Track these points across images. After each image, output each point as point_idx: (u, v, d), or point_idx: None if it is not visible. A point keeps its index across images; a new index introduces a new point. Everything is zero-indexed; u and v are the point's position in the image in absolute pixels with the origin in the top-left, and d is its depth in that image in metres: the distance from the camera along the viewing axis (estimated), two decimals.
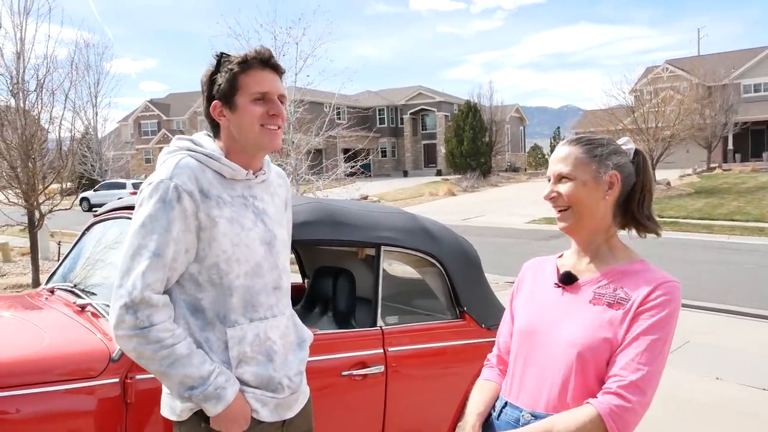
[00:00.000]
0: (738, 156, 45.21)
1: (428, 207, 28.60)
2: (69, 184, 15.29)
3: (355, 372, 3.02)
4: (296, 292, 4.09)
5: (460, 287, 3.53)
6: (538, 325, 1.86)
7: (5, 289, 10.73)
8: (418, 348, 3.31)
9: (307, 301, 3.91)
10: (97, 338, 2.52)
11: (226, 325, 1.96)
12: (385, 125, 60.56)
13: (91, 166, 36.29)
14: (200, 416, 1.94)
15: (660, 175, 32.59)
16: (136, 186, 30.88)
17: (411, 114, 59.94)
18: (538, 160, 77.58)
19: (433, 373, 3.37)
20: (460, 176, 43.78)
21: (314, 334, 2.83)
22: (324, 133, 16.83)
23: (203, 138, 2.10)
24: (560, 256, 1.99)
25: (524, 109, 69.17)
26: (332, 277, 3.72)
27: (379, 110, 60.36)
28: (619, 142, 1.91)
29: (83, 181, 33.49)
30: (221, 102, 2.02)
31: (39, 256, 11.49)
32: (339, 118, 28.37)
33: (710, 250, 15.14)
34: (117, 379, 2.40)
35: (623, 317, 1.70)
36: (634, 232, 1.90)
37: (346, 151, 34.79)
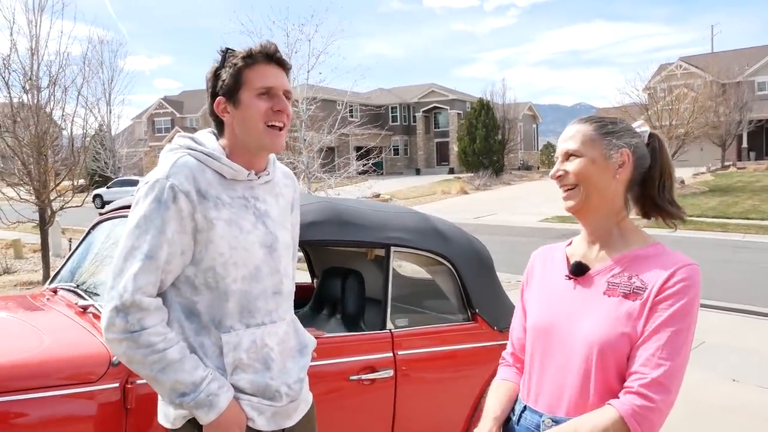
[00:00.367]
0: (752, 154, 44.84)
1: (440, 205, 28.54)
2: (81, 181, 15.33)
3: (363, 376, 2.95)
4: (305, 292, 4.05)
5: (471, 288, 3.45)
6: (551, 323, 1.76)
7: (15, 286, 10.76)
8: (429, 351, 3.23)
9: (315, 302, 3.84)
10: (97, 341, 2.45)
11: (221, 331, 1.89)
12: (398, 123, 60.55)
13: (105, 163, 36.40)
14: (194, 424, 1.86)
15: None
16: None
17: (424, 112, 59.86)
18: (551, 159, 77.21)
19: (443, 378, 3.29)
20: (472, 174, 43.67)
21: (322, 337, 2.78)
22: (336, 131, 16.78)
23: (206, 136, 2.03)
24: (569, 244, 1.89)
25: (537, 107, 68.97)
26: (341, 278, 3.65)
27: (392, 108, 60.38)
28: (634, 125, 1.81)
29: (96, 178, 33.66)
30: (225, 98, 1.95)
31: (50, 253, 11.52)
32: (351, 116, 28.29)
33: (725, 249, 14.96)
34: (117, 384, 2.33)
35: (641, 309, 1.60)
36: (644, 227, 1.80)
37: (358, 149, 34.75)
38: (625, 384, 1.58)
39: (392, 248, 3.23)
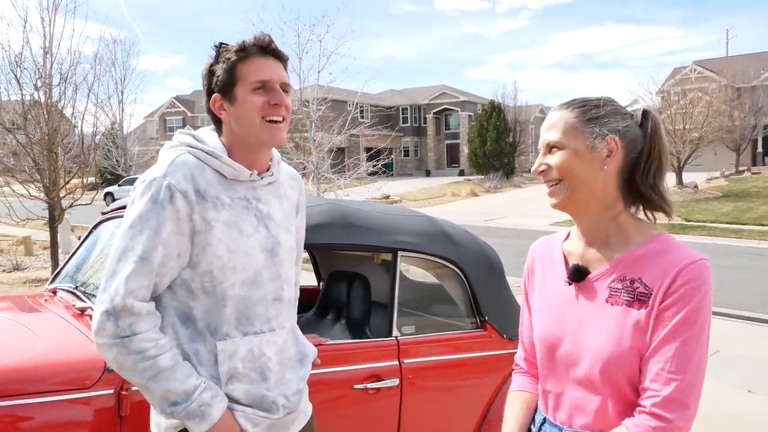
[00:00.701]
0: (767, 159, 44.44)
1: (450, 207, 28.43)
2: (91, 178, 15.34)
3: (368, 385, 2.86)
4: (311, 295, 3.96)
5: (481, 295, 3.35)
6: (558, 338, 1.64)
7: (24, 283, 10.78)
8: (436, 360, 3.13)
9: (320, 307, 3.75)
10: (93, 345, 2.37)
11: (216, 338, 1.80)
12: (408, 124, 60.44)
13: (116, 161, 36.53)
14: None
15: (687, 177, 32.21)
16: None
17: (434, 113, 59.77)
18: None
19: (451, 387, 3.19)
20: (482, 177, 43.55)
21: (326, 344, 2.69)
22: (346, 132, 16.70)
23: (208, 133, 1.94)
24: (566, 238, 1.73)
25: (549, 109, 68.34)
26: (347, 283, 3.55)
27: (403, 109, 60.30)
28: (626, 104, 1.63)
29: (107, 176, 33.72)
30: (221, 95, 1.86)
31: (59, 250, 11.50)
32: (362, 117, 28.27)
33: (740, 256, 14.76)
34: (112, 391, 2.25)
35: (647, 318, 1.47)
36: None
37: (368, 150, 34.72)
38: (639, 401, 1.48)
39: (399, 253, 3.14)
